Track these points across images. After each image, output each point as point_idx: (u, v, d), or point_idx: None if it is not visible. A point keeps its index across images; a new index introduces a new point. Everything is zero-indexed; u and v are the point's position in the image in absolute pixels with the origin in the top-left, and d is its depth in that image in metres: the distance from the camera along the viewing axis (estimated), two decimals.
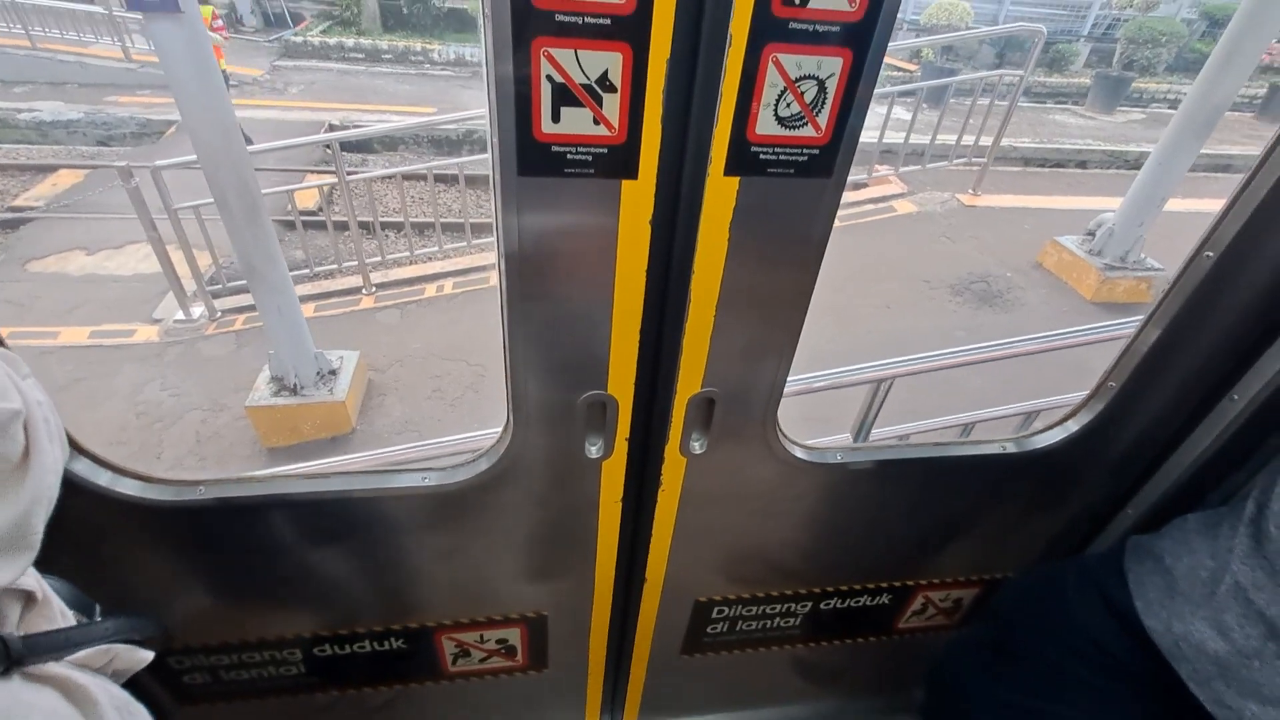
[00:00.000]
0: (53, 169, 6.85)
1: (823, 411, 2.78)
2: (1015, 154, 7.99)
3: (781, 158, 0.68)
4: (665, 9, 0.58)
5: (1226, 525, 0.90)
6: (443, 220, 5.40)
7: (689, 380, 0.86)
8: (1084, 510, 1.24)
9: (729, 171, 0.68)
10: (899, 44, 9.57)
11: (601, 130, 0.64)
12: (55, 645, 0.57)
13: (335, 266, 5.07)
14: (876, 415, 2.16)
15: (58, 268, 5.32)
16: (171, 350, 4.46)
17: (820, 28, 0.61)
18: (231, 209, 2.91)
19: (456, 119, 6.30)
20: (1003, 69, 8.41)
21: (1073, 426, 1.07)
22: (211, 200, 2.93)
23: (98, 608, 0.87)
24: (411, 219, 5.54)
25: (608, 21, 0.58)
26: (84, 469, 0.82)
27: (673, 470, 0.98)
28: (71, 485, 0.82)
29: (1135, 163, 7.91)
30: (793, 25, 0.60)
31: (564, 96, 0.61)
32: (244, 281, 3.54)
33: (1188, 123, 4.01)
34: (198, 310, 4.63)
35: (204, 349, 4.48)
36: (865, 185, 6.30)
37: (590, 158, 0.65)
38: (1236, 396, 0.99)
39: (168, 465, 3.69)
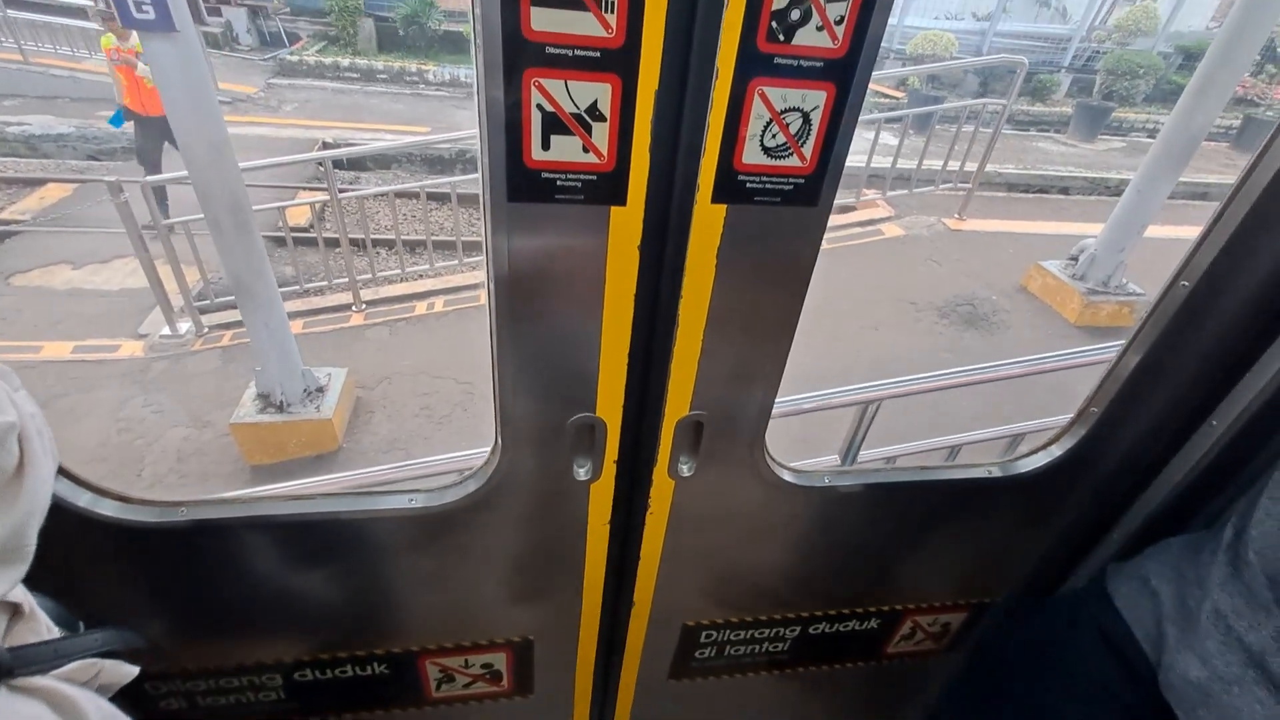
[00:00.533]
0: (41, 183, 6.81)
1: (814, 433, 2.79)
2: (1000, 179, 8.15)
3: (768, 186, 0.70)
4: (654, 43, 0.59)
5: (1208, 549, 0.91)
6: (434, 238, 5.41)
7: (677, 403, 0.87)
8: (1070, 534, 1.25)
9: (716, 199, 0.69)
10: (886, 73, 9.80)
11: (591, 158, 0.65)
12: (43, 657, 0.57)
13: (325, 283, 5.06)
14: (864, 437, 2.17)
15: (42, 281, 5.27)
16: (156, 366, 4.41)
17: (804, 63, 0.62)
18: (222, 225, 2.90)
19: (450, 139, 6.35)
20: (986, 98, 8.63)
21: (1056, 451, 1.09)
22: (202, 216, 2.93)
23: (81, 625, 0.85)
24: (404, 236, 5.55)
25: (597, 54, 0.59)
26: (64, 489, 0.81)
27: (661, 493, 0.98)
28: (52, 505, 0.80)
29: (1116, 189, 8.09)
30: (778, 60, 0.62)
31: (554, 125, 0.62)
32: (232, 297, 3.52)
33: (1165, 152, 4.13)
34: (184, 326, 4.59)
35: (190, 365, 4.43)
36: (853, 209, 6.39)
37: (580, 184, 0.66)
38: (1215, 422, 1.01)
39: (148, 483, 3.62)
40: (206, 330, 4.63)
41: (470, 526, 0.97)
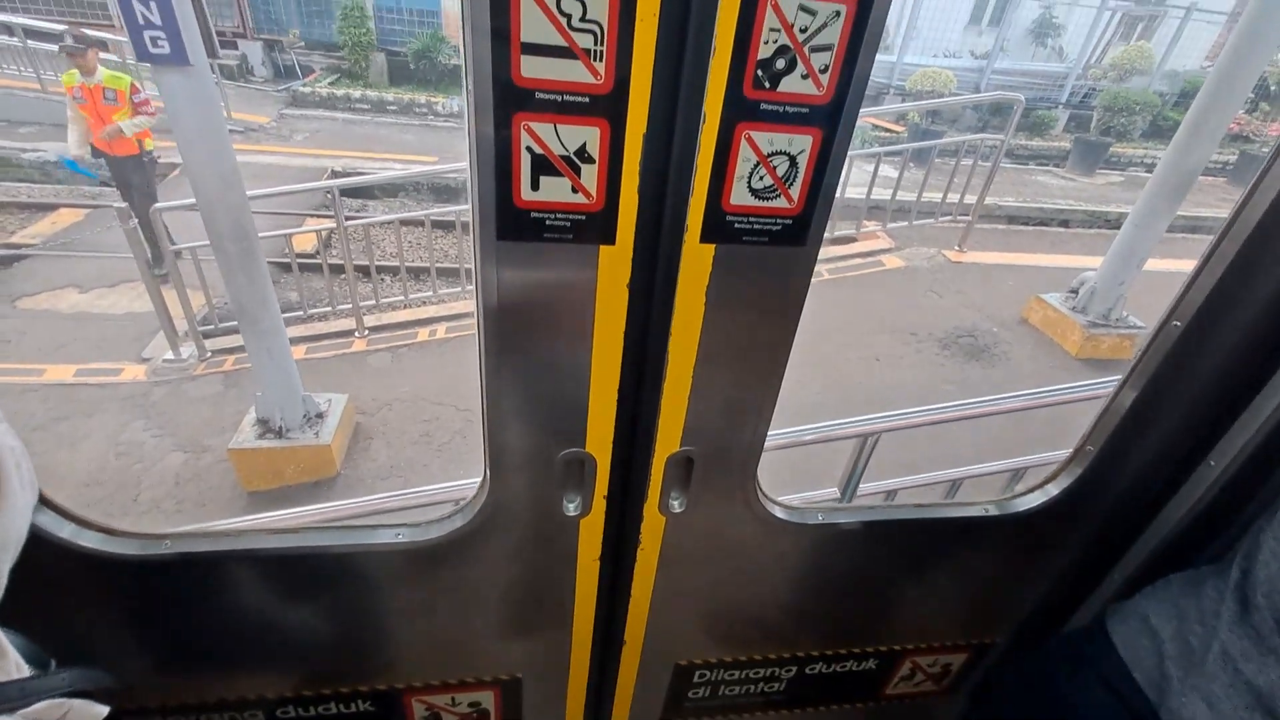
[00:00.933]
0: (53, 208, 6.93)
1: (815, 465, 2.77)
2: (999, 212, 8.23)
3: (756, 226, 0.70)
4: (641, 89, 0.61)
5: (1210, 586, 0.90)
6: (439, 265, 5.46)
7: (668, 439, 0.86)
8: (1070, 573, 1.23)
9: (705, 239, 0.70)
10: (885, 108, 9.99)
11: (580, 198, 0.66)
12: (9, 696, 0.56)
13: (330, 309, 5.10)
14: (864, 469, 2.15)
15: (49, 305, 5.32)
16: (158, 390, 4.41)
17: (790, 109, 0.64)
18: (228, 253, 2.94)
19: (457, 169, 6.46)
20: (985, 133, 8.77)
21: (1053, 490, 1.07)
22: (208, 243, 2.97)
23: (53, 663, 0.84)
24: (408, 264, 5.61)
25: (586, 100, 0.60)
26: (46, 521, 0.80)
27: (652, 529, 0.97)
28: (33, 537, 0.80)
29: (1115, 222, 8.15)
30: (764, 106, 0.63)
31: (543, 166, 0.63)
32: (236, 322, 3.55)
33: (1162, 187, 4.17)
34: (188, 350, 4.61)
35: (191, 389, 4.43)
36: (854, 240, 6.45)
37: (569, 224, 0.67)
38: (1214, 463, 1.00)
39: (143, 509, 3.60)
40: (209, 355, 4.65)
41: (458, 562, 0.96)
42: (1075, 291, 4.92)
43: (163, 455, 3.91)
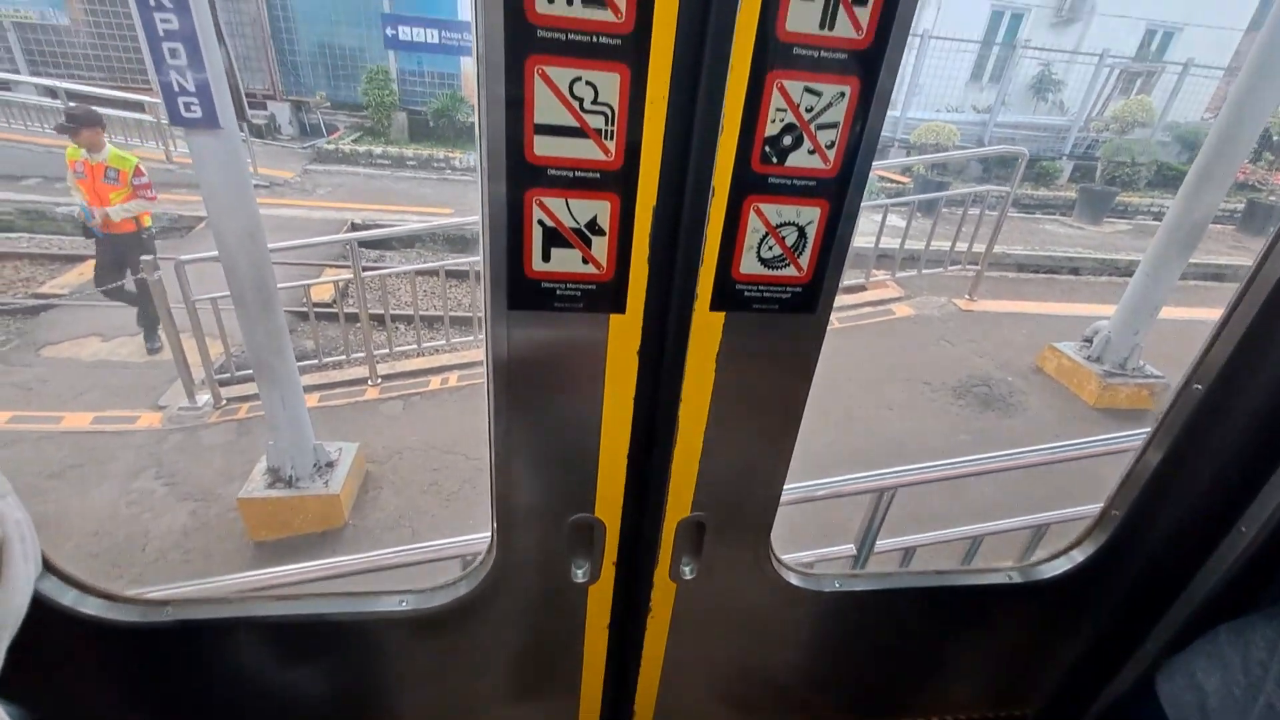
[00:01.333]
0: (82, 259, 7.15)
1: (831, 517, 2.71)
2: (1009, 260, 8.27)
3: (766, 294, 0.71)
4: (651, 164, 0.62)
5: (1259, 635, 0.85)
6: (452, 314, 5.54)
7: (678, 504, 0.85)
8: (1103, 639, 1.18)
9: (715, 307, 0.71)
10: (890, 161, 10.20)
11: (590, 269, 0.67)
12: None
13: (344, 357, 5.16)
14: (880, 525, 2.10)
15: (71, 353, 5.43)
16: (172, 438, 4.44)
17: (798, 182, 0.65)
18: (247, 304, 3.00)
19: (471, 221, 6.63)
20: (990, 183, 8.90)
21: (1078, 556, 1.04)
22: (229, 294, 3.04)
23: None
24: (422, 312, 5.69)
25: (597, 175, 0.62)
26: (49, 587, 0.79)
27: (662, 596, 0.94)
28: (35, 603, 0.79)
29: (1126, 270, 8.15)
30: (772, 180, 0.64)
31: (554, 238, 0.65)
32: (252, 370, 3.59)
33: (1172, 237, 4.18)
34: (203, 398, 4.67)
35: (205, 437, 4.46)
36: (863, 289, 6.48)
37: (579, 293, 0.68)
38: (1245, 529, 0.96)
39: (150, 559, 3.57)
40: (224, 403, 4.69)
41: (463, 629, 0.93)
42: (1089, 340, 4.88)
43: (173, 504, 3.91)
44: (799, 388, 0.78)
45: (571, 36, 0.56)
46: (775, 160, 0.63)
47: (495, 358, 0.71)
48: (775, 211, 0.66)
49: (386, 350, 5.21)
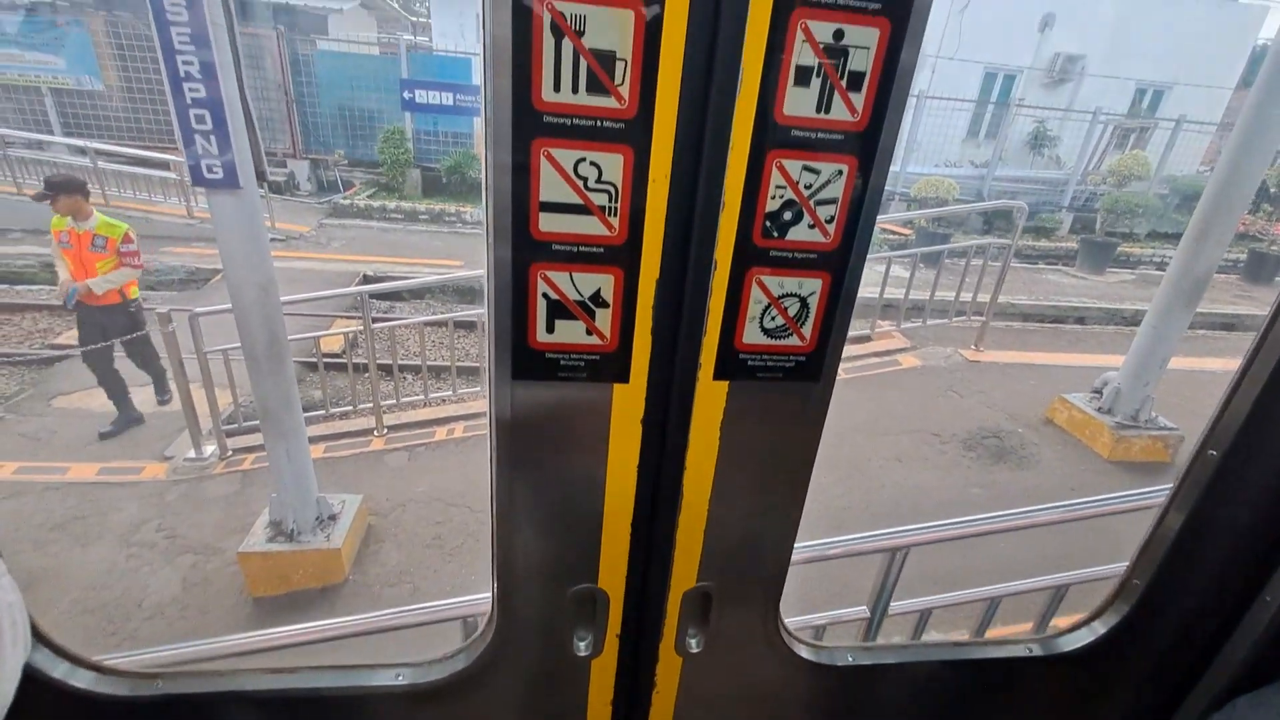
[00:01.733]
0: None
1: (848, 574, 2.63)
2: (1013, 310, 8.29)
3: (769, 364, 0.71)
4: (654, 240, 0.64)
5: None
6: (459, 364, 5.58)
7: (683, 574, 0.83)
8: (1128, 713, 1.12)
9: (719, 376, 0.71)
10: (892, 215, 10.39)
11: (594, 340, 0.67)
12: None
13: (351, 407, 5.17)
14: (894, 586, 2.04)
15: (81, 404, 5.46)
16: (176, 489, 4.42)
17: (799, 255, 0.66)
18: (258, 357, 3.04)
19: (480, 274, 6.74)
20: (991, 235, 9.01)
21: (1100, 627, 1.00)
22: (239, 345, 3.08)
23: None
24: (430, 361, 5.73)
25: (601, 250, 0.63)
26: (41, 659, 0.78)
27: (668, 670, 0.91)
28: (27, 676, 0.77)
29: (1132, 319, 8.15)
30: (773, 254, 0.65)
31: (558, 310, 0.66)
32: (259, 421, 3.60)
33: (1176, 288, 4.19)
34: (210, 448, 4.66)
35: (209, 488, 4.44)
36: (869, 339, 6.49)
37: (583, 364, 0.68)
38: (1269, 598, 0.93)
39: (147, 614, 3.50)
40: (230, 453, 4.69)
41: (461, 705, 0.90)
42: (1099, 392, 4.84)
43: (173, 557, 3.85)
44: (805, 455, 0.77)
45: (576, 121, 0.59)
46: (776, 235, 0.65)
47: (498, 425, 0.71)
48: (777, 284, 0.67)
49: (393, 400, 5.23)
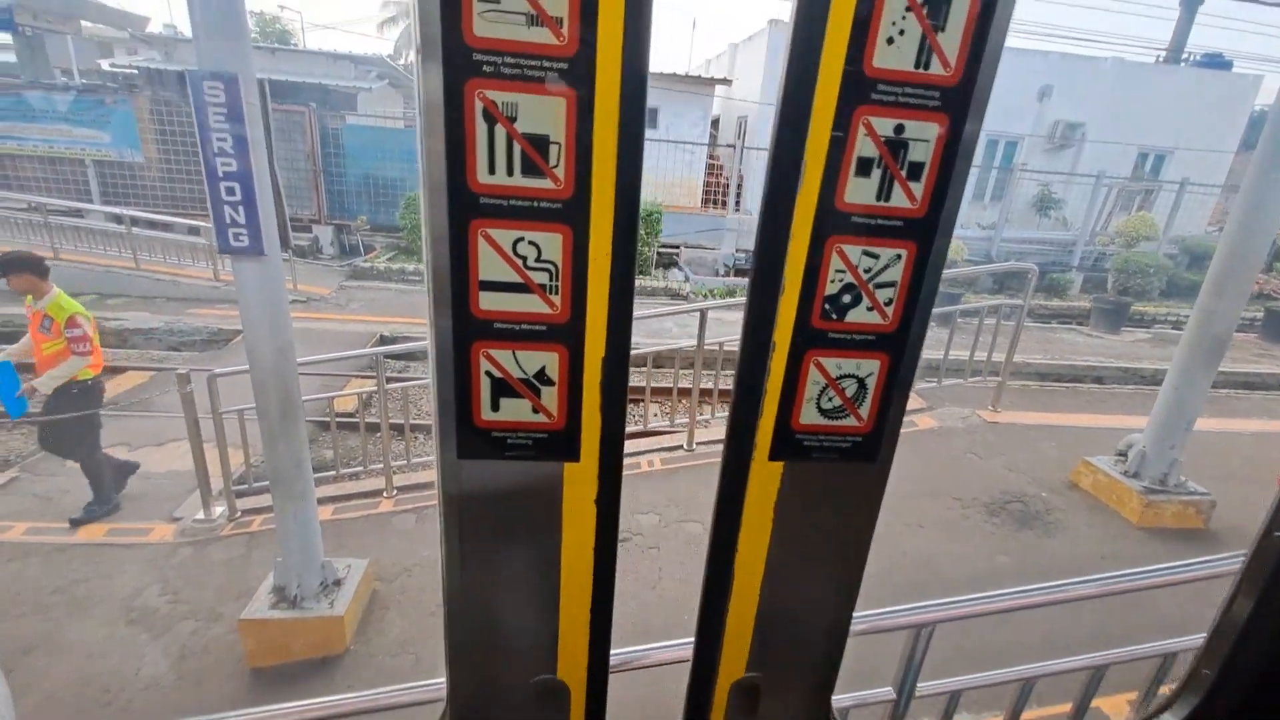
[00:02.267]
0: (121, 370, 7.44)
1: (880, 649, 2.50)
2: (1029, 369, 8.21)
3: (825, 444, 0.71)
4: (597, 317, 0.64)
5: None
6: None
7: (733, 663, 0.79)
8: None
9: (774, 456, 0.70)
10: None
11: (541, 418, 0.66)
12: None
13: (361, 468, 5.15)
14: (920, 666, 1.92)
15: None
16: (182, 551, 4.37)
17: (857, 337, 0.66)
18: (272, 419, 3.05)
19: None
20: (1002, 294, 9.03)
21: None
22: (254, 406, 3.10)
23: None
24: None
25: (544, 328, 0.63)
26: None
27: None
28: None
29: (1151, 378, 8.01)
30: (832, 335, 0.65)
31: (502, 389, 0.65)
32: (269, 482, 3.58)
33: (1194, 350, 4.13)
34: (219, 509, 4.63)
35: (215, 551, 4.38)
36: None
37: (530, 442, 0.67)
38: None
39: (143, 684, 3.39)
40: (239, 514, 4.65)
41: None
42: (1124, 455, 4.71)
43: (174, 623, 3.76)
44: (861, 535, 0.75)
45: (513, 202, 0.59)
46: (835, 316, 0.65)
47: (446, 503, 0.69)
48: (835, 365, 0.67)
49: (404, 460, 5.20)
